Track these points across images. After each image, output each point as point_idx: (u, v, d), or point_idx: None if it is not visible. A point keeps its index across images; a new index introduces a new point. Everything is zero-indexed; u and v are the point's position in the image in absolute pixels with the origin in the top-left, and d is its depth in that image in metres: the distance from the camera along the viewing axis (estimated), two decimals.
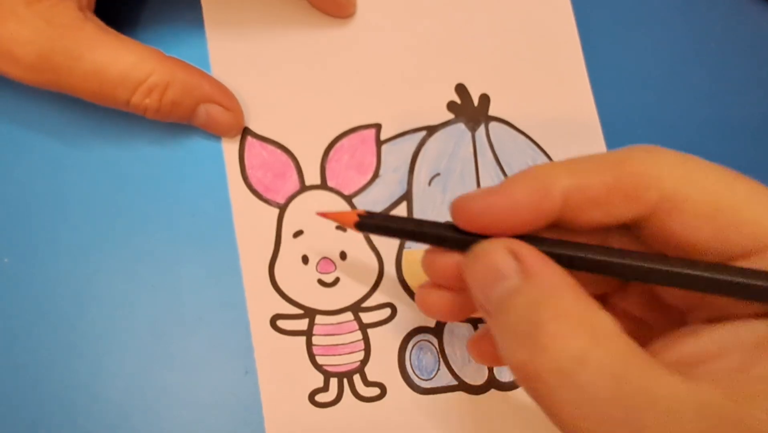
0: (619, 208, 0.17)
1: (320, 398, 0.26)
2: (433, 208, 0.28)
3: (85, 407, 0.26)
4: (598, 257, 0.17)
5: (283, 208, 0.27)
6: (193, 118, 0.26)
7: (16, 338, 0.26)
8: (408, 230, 0.20)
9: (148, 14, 0.28)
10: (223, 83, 0.27)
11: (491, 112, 0.29)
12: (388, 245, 0.27)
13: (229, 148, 0.27)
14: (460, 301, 0.21)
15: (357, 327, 0.27)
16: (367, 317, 0.27)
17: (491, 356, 0.22)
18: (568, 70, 0.29)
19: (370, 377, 0.27)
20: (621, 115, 0.29)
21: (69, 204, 0.27)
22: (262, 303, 0.27)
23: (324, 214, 0.22)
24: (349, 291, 0.27)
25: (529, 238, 0.18)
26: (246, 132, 0.27)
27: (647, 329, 0.20)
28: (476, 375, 0.27)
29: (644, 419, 0.14)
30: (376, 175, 0.28)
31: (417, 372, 0.27)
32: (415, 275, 0.27)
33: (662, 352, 0.17)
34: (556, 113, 0.29)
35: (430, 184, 0.28)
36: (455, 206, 0.19)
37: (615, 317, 0.18)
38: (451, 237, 0.19)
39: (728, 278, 0.16)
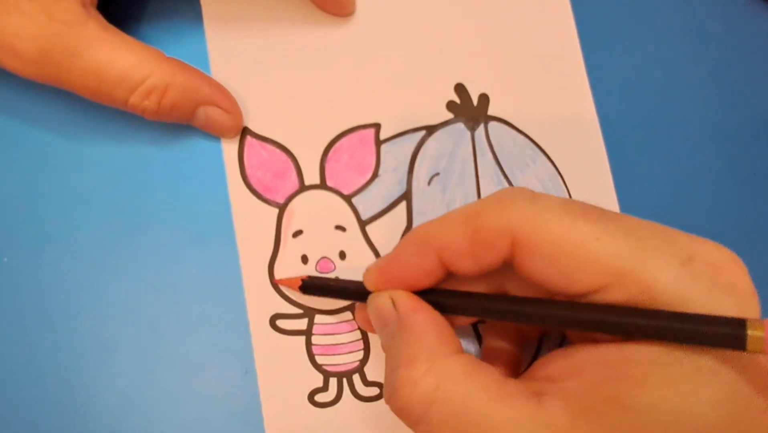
0: (484, 257, 0.20)
1: (320, 397, 0.26)
2: (432, 208, 0.28)
3: (85, 407, 0.26)
4: (459, 301, 0.21)
5: (282, 208, 0.27)
6: (192, 120, 0.26)
7: (15, 337, 0.26)
8: (339, 290, 0.25)
9: (148, 13, 0.28)
10: (223, 82, 0.27)
11: (490, 111, 0.29)
12: (387, 244, 0.27)
13: (229, 148, 0.27)
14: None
15: (356, 327, 0.27)
16: None
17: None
18: (568, 70, 0.29)
19: (370, 377, 0.27)
20: (620, 115, 0.29)
21: (69, 203, 0.27)
22: (261, 303, 0.27)
23: (277, 281, 0.27)
24: None
25: (428, 291, 0.21)
26: (245, 132, 0.27)
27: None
28: None
29: None
30: (375, 174, 0.28)
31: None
32: None
33: (537, 368, 0.20)
34: (555, 113, 0.29)
35: (429, 183, 0.28)
36: (363, 276, 0.23)
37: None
38: (363, 294, 0.23)
39: (559, 312, 0.19)
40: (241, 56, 0.28)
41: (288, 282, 0.26)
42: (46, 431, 0.25)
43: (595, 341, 0.19)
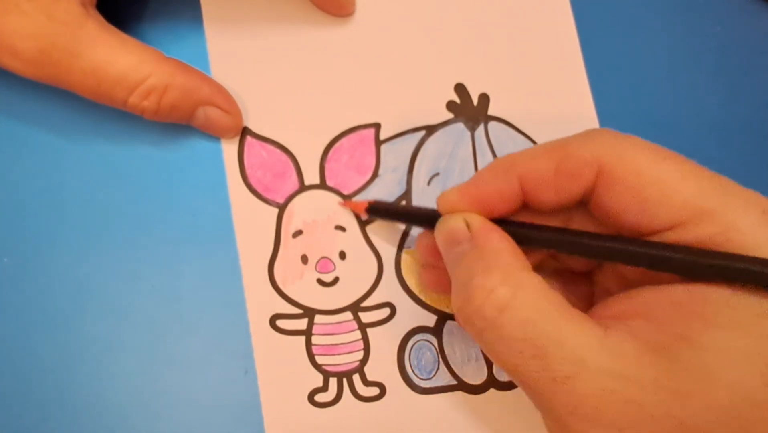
0: (566, 188, 0.20)
1: (320, 397, 0.26)
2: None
3: (85, 407, 0.26)
4: (538, 234, 0.21)
5: (282, 208, 0.27)
6: (192, 120, 0.26)
7: (15, 337, 0.26)
8: (405, 214, 0.26)
9: (148, 13, 0.28)
10: (222, 82, 0.27)
11: (490, 111, 0.29)
12: (387, 244, 0.27)
13: (229, 148, 0.27)
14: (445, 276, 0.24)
15: (356, 327, 0.27)
16: (366, 317, 0.27)
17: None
18: (567, 70, 0.29)
19: (370, 377, 0.27)
20: (620, 115, 0.29)
21: (68, 204, 0.27)
22: (261, 303, 0.27)
23: (344, 204, 0.27)
24: (349, 291, 0.27)
25: (500, 221, 0.21)
26: (245, 132, 0.27)
27: None
28: (475, 375, 0.27)
29: (551, 354, 0.17)
30: (375, 175, 0.28)
31: (416, 372, 0.27)
32: (415, 275, 0.27)
33: (601, 309, 0.20)
34: (555, 113, 0.29)
35: (429, 183, 0.28)
36: (439, 199, 0.23)
37: (599, 291, 0.23)
38: (434, 217, 0.23)
39: (636, 249, 0.19)
40: (241, 56, 0.28)
41: (354, 205, 0.27)
42: (46, 431, 0.25)
43: (659, 282, 0.19)
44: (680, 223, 0.18)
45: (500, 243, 0.20)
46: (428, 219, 0.23)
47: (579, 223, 0.22)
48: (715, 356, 0.17)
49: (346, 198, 0.27)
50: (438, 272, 0.25)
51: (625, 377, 0.17)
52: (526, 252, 0.21)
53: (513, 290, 0.19)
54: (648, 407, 0.17)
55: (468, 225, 0.21)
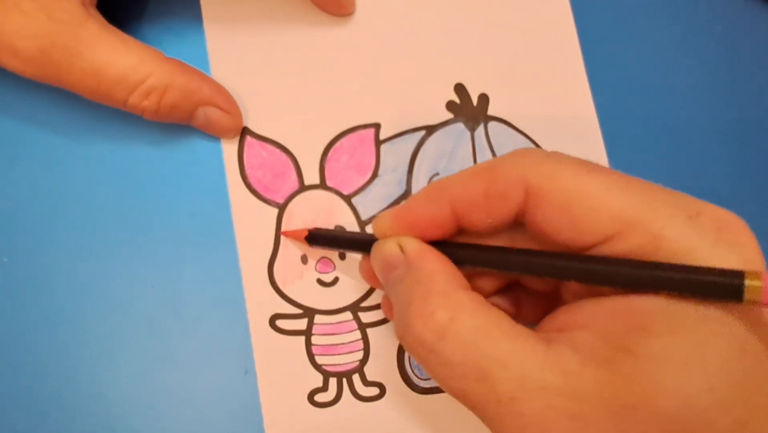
0: (496, 210, 0.20)
1: (319, 397, 0.26)
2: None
3: (85, 407, 0.26)
4: (469, 252, 0.21)
5: (282, 208, 0.27)
6: (192, 120, 0.26)
7: (15, 337, 0.26)
8: (344, 240, 0.26)
9: (148, 13, 0.28)
10: (222, 82, 0.27)
11: (490, 111, 0.29)
12: None
13: (229, 148, 0.27)
14: None
15: (356, 327, 0.27)
16: (366, 317, 0.27)
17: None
18: (567, 70, 0.29)
19: (370, 377, 0.27)
20: (620, 115, 0.29)
21: (68, 204, 0.27)
22: (261, 303, 0.27)
23: (283, 233, 0.27)
24: (348, 291, 0.27)
25: (437, 243, 0.21)
26: (245, 132, 0.27)
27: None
28: None
29: (495, 375, 0.17)
30: (375, 175, 0.28)
31: (416, 372, 0.27)
32: None
33: (547, 323, 0.20)
34: (554, 113, 0.29)
35: (429, 183, 0.28)
36: (373, 224, 0.22)
37: (529, 297, 0.23)
38: (371, 242, 0.23)
39: (566, 263, 0.19)
40: (240, 56, 0.28)
41: (293, 234, 0.26)
42: (46, 430, 0.25)
43: (599, 295, 0.19)
44: (610, 236, 0.18)
45: (436, 264, 0.20)
46: (367, 245, 0.23)
47: (521, 243, 0.22)
48: (656, 366, 0.17)
49: (345, 198, 0.27)
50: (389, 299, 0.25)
51: (568, 393, 0.17)
52: (495, 275, 0.21)
53: (451, 313, 0.18)
54: (593, 422, 0.17)
55: (402, 249, 0.21)
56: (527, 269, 0.20)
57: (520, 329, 0.18)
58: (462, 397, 0.18)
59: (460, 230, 0.21)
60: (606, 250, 0.19)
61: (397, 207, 0.22)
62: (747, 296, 0.16)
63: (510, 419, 0.17)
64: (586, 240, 0.19)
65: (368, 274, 0.24)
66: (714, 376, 0.16)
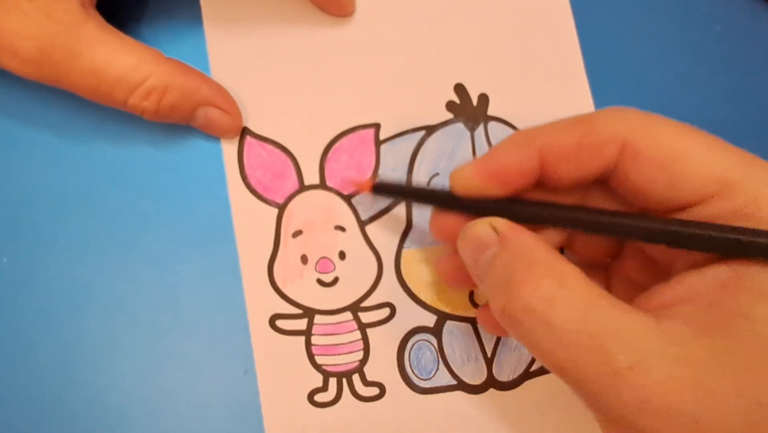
0: (587, 162, 0.20)
1: (319, 397, 0.26)
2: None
3: (85, 407, 0.26)
4: (559, 213, 0.20)
5: (282, 208, 0.27)
6: (192, 121, 0.26)
7: (14, 337, 0.26)
8: (413, 193, 0.25)
9: (147, 13, 0.28)
10: (222, 82, 0.27)
11: (490, 111, 0.29)
12: (387, 244, 0.27)
13: (229, 148, 0.27)
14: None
15: (356, 327, 0.27)
16: (366, 317, 0.27)
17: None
18: (567, 70, 0.29)
19: (369, 377, 0.27)
20: None
21: (68, 204, 0.27)
22: (261, 303, 0.27)
23: (345, 179, 0.27)
24: (349, 291, 0.27)
25: (514, 201, 0.21)
26: (245, 132, 0.27)
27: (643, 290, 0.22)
28: (475, 375, 0.27)
29: (608, 344, 0.16)
30: (375, 175, 0.28)
31: (416, 372, 0.27)
32: (415, 275, 0.27)
33: (643, 302, 0.19)
34: (554, 113, 0.28)
35: (429, 184, 0.28)
36: (452, 176, 0.22)
37: (617, 282, 0.23)
38: (451, 200, 0.22)
39: (661, 226, 0.18)
40: (240, 56, 0.28)
41: (357, 184, 0.26)
42: (46, 431, 0.25)
43: (694, 265, 0.19)
44: (708, 196, 0.18)
45: (532, 240, 0.19)
46: (440, 199, 0.23)
47: (595, 203, 0.22)
48: None
49: (345, 198, 0.27)
50: (457, 261, 0.25)
51: (689, 361, 0.16)
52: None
53: (558, 281, 0.18)
54: (719, 391, 0.16)
55: (495, 230, 0.20)
56: (622, 231, 0.19)
57: (625, 304, 0.18)
58: (570, 369, 0.17)
59: (539, 183, 0.21)
60: (701, 211, 0.18)
61: (482, 156, 0.21)
62: None
63: (629, 392, 0.16)
64: (682, 198, 0.19)
65: (441, 231, 0.24)
66: None
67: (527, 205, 0.21)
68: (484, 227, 0.20)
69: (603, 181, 0.21)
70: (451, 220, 0.23)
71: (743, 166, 0.18)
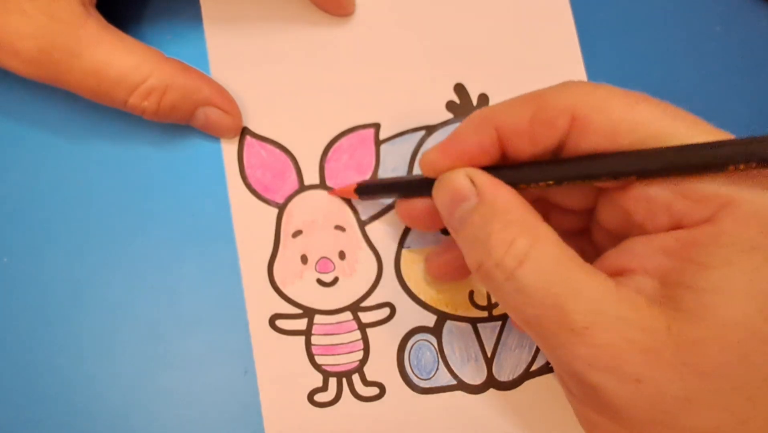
0: (542, 136, 0.20)
1: (319, 397, 0.26)
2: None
3: (84, 407, 0.26)
4: (532, 169, 0.21)
5: (282, 208, 0.27)
6: (192, 121, 0.26)
7: (14, 337, 0.26)
8: (389, 186, 0.26)
9: (148, 13, 0.28)
10: (222, 82, 0.27)
11: None
12: (387, 244, 0.27)
13: (228, 148, 0.27)
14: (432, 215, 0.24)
15: (356, 327, 0.27)
16: (366, 317, 0.27)
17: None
18: (567, 70, 0.29)
19: (369, 377, 0.27)
20: None
21: (68, 204, 0.27)
22: (261, 303, 0.27)
23: (332, 193, 0.27)
24: (348, 291, 0.27)
25: (486, 168, 0.21)
26: (245, 132, 0.27)
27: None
28: (475, 375, 0.27)
29: (570, 304, 0.18)
30: (375, 175, 0.28)
31: (416, 372, 0.27)
32: (415, 275, 0.27)
33: (597, 266, 0.20)
34: None
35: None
36: (421, 160, 0.22)
37: (592, 249, 0.24)
38: (420, 183, 0.23)
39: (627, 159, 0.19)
40: (240, 56, 0.28)
41: (341, 192, 0.27)
42: (46, 431, 0.25)
43: (643, 232, 0.20)
44: None
45: (510, 196, 0.20)
46: (419, 186, 0.23)
47: None
48: (715, 298, 0.17)
49: (345, 198, 0.27)
50: (443, 258, 0.26)
51: (641, 326, 0.17)
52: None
53: (531, 241, 0.19)
54: (665, 355, 0.17)
55: (473, 181, 0.21)
56: (588, 173, 0.20)
57: (591, 266, 0.19)
58: (534, 324, 0.19)
59: (503, 159, 0.22)
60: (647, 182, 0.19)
61: (443, 141, 0.22)
62: None
63: (581, 348, 0.17)
64: None
65: (409, 215, 0.25)
66: None
67: (503, 171, 0.21)
68: (461, 178, 0.21)
69: (559, 153, 0.21)
70: (417, 202, 0.24)
71: (695, 136, 0.18)
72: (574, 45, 0.29)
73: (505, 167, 0.21)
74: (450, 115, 0.28)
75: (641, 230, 0.20)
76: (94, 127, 0.27)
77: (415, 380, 0.27)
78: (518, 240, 0.19)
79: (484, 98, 0.29)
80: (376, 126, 0.28)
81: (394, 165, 0.28)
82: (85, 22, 0.23)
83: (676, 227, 0.19)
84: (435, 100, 0.28)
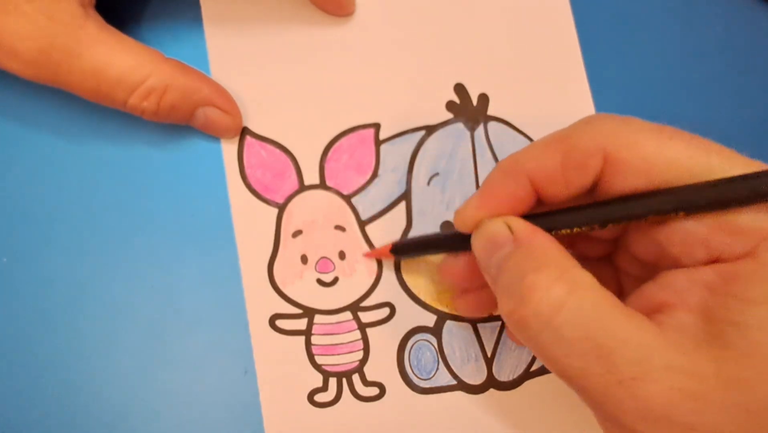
0: (575, 179, 0.20)
1: (319, 397, 0.26)
2: (432, 208, 0.28)
3: (84, 407, 0.26)
4: (571, 214, 0.21)
5: (282, 208, 0.27)
6: (192, 121, 0.26)
7: (14, 337, 0.26)
8: (426, 243, 0.26)
9: (147, 13, 0.28)
10: (222, 82, 0.27)
11: (490, 111, 0.29)
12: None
13: (228, 148, 0.27)
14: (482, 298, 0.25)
15: (356, 327, 0.27)
16: (366, 317, 0.27)
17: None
18: (567, 70, 0.29)
19: (369, 377, 0.27)
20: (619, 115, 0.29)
21: (68, 204, 0.27)
22: (261, 303, 0.27)
23: (368, 255, 0.27)
24: (348, 291, 0.27)
25: (525, 216, 0.21)
26: (245, 132, 0.27)
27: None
28: (475, 375, 0.27)
29: (614, 354, 0.17)
30: (374, 175, 0.28)
31: (416, 372, 0.27)
32: (415, 275, 0.27)
33: (636, 302, 0.20)
34: (554, 113, 0.29)
35: (429, 183, 0.28)
36: (456, 218, 0.22)
37: (620, 275, 0.23)
38: (457, 238, 0.23)
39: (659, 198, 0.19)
40: (240, 57, 0.28)
41: (378, 253, 0.27)
42: (46, 431, 0.25)
43: (677, 263, 0.19)
44: None
45: (547, 241, 0.20)
46: (457, 241, 0.23)
47: None
48: (762, 335, 0.17)
49: (345, 198, 0.27)
50: (475, 295, 0.25)
51: (689, 372, 0.17)
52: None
53: (569, 287, 0.18)
54: (715, 400, 0.16)
55: (510, 228, 0.20)
56: (630, 213, 0.19)
57: (633, 310, 0.18)
58: (577, 377, 0.18)
59: (539, 203, 0.21)
60: (684, 218, 0.19)
61: (475, 195, 0.22)
62: None
63: (631, 401, 0.17)
64: None
65: (455, 273, 0.24)
66: None
67: (540, 218, 0.21)
68: (499, 225, 0.21)
69: (594, 191, 0.21)
70: (460, 261, 0.24)
71: (726, 171, 0.18)
72: (574, 45, 0.29)
73: (545, 214, 0.21)
74: (450, 115, 0.28)
75: (676, 263, 0.19)
76: (94, 127, 0.27)
77: (415, 380, 0.27)
78: (555, 286, 0.18)
79: (484, 98, 0.29)
80: (376, 126, 0.28)
81: (394, 165, 0.28)
82: (84, 22, 0.23)
83: (714, 260, 0.18)
84: (435, 100, 0.28)
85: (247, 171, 0.27)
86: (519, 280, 0.19)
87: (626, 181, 0.19)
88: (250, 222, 0.27)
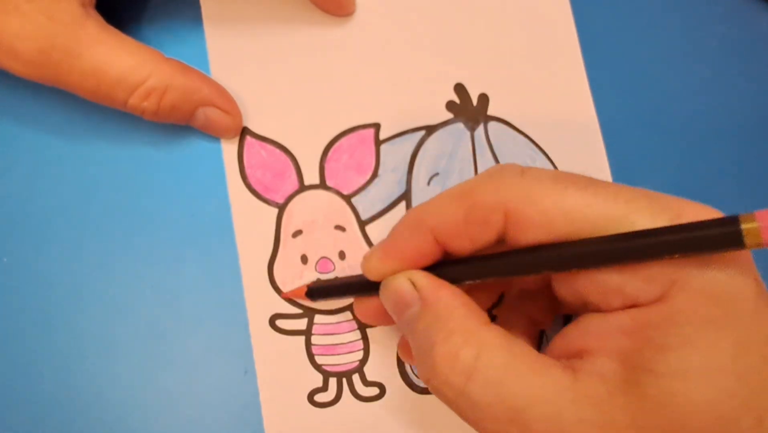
0: (478, 235, 0.20)
1: (319, 397, 0.26)
2: None
3: (84, 407, 0.26)
4: (474, 266, 0.21)
5: (282, 208, 0.27)
6: (192, 121, 0.26)
7: (14, 337, 0.26)
8: (340, 288, 0.26)
9: (147, 13, 0.28)
10: (222, 82, 0.27)
11: (490, 111, 0.29)
12: None
13: (228, 148, 0.27)
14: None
15: (356, 327, 0.27)
16: None
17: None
18: (567, 70, 0.29)
19: (370, 377, 0.27)
20: (619, 115, 0.29)
21: (68, 204, 0.27)
22: (261, 303, 0.27)
23: (285, 295, 0.27)
24: None
25: (430, 268, 0.21)
26: (245, 132, 0.27)
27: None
28: None
29: (527, 415, 0.17)
30: (374, 175, 0.28)
31: (416, 372, 0.27)
32: None
33: (556, 344, 0.20)
34: (554, 113, 0.29)
35: (429, 184, 0.28)
36: (363, 266, 0.22)
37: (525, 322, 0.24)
38: (370, 285, 0.23)
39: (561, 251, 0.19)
40: (240, 56, 0.28)
41: (293, 294, 0.26)
42: (45, 431, 0.25)
43: (598, 310, 0.19)
44: None
45: (452, 299, 0.20)
46: (370, 287, 0.23)
47: None
48: (677, 382, 0.16)
49: (345, 198, 0.27)
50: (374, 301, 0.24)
51: (602, 425, 0.17)
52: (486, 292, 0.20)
53: (476, 351, 0.18)
54: None
55: (414, 284, 0.20)
56: (527, 268, 0.19)
57: (545, 361, 0.18)
58: None
59: (446, 255, 0.21)
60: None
61: (380, 243, 0.22)
62: (747, 240, 0.15)
63: None
64: None
65: (367, 314, 0.24)
66: (731, 379, 0.16)
67: (446, 268, 0.21)
68: (403, 282, 0.21)
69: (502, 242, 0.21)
70: (373, 302, 0.23)
71: (625, 215, 0.18)
72: (574, 44, 0.29)
73: (449, 264, 0.21)
74: (450, 115, 0.28)
75: (596, 307, 0.19)
76: (94, 128, 0.27)
77: (415, 380, 0.27)
78: (462, 352, 0.18)
79: (484, 98, 0.29)
80: (376, 126, 0.28)
81: (394, 165, 0.28)
82: (84, 22, 0.23)
83: (632, 305, 0.18)
84: (435, 100, 0.28)
85: (247, 171, 0.27)
86: (429, 349, 0.19)
87: (528, 236, 0.19)
88: (250, 222, 0.27)
